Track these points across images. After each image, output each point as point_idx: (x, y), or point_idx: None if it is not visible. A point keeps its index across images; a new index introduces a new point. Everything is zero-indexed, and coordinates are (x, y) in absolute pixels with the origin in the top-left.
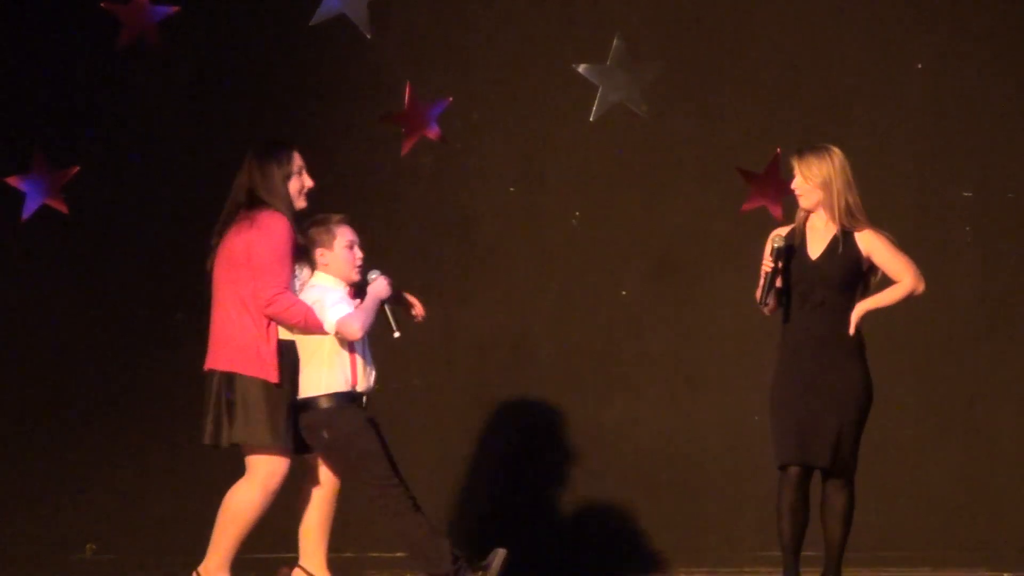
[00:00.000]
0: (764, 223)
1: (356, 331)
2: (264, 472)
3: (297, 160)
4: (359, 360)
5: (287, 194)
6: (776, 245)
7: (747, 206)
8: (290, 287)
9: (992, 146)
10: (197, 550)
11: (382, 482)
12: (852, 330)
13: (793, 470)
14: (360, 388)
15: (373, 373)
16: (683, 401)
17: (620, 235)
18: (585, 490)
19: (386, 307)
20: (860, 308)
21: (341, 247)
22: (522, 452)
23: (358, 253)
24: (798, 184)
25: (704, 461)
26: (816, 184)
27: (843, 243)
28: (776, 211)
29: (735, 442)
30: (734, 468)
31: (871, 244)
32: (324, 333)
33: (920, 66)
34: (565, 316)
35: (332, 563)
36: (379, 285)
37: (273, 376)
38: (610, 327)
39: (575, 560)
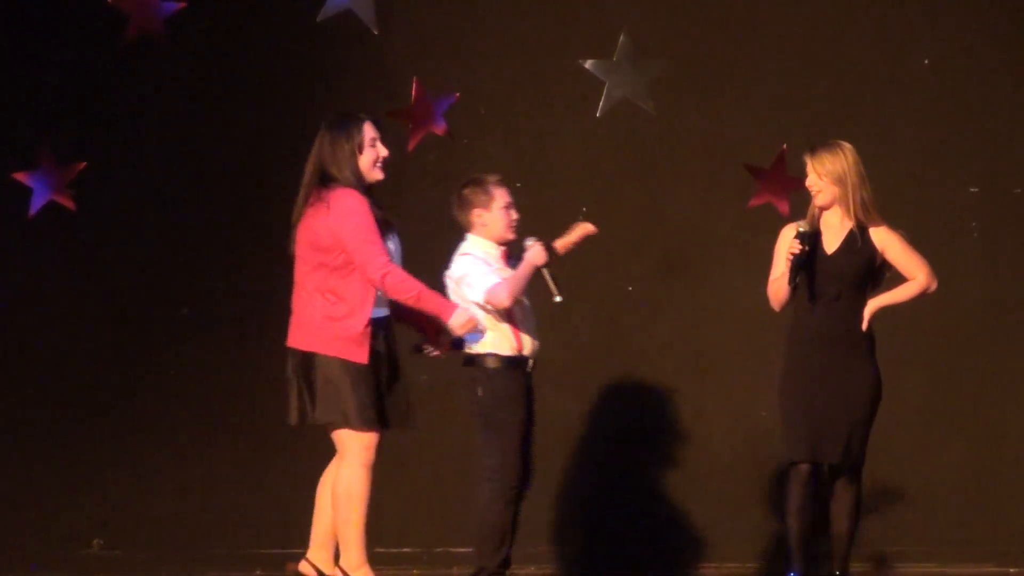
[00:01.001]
0: (771, 219)
1: (504, 299)
2: (356, 449)
3: (369, 132)
4: (521, 325)
5: (356, 168)
6: (802, 229)
7: (754, 202)
8: (391, 258)
9: (998, 142)
10: (203, 545)
11: (504, 460)
12: (865, 325)
13: (803, 466)
14: (526, 352)
15: (536, 337)
16: (690, 396)
17: (626, 231)
18: (592, 485)
19: (545, 272)
20: (874, 304)
21: (499, 208)
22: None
23: (513, 214)
24: (812, 181)
25: (711, 456)
26: (831, 180)
27: (859, 239)
28: (783, 207)
29: (742, 437)
30: (741, 462)
31: (886, 241)
32: (436, 314)
33: (927, 62)
34: (571, 312)
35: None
36: (535, 252)
37: (357, 356)
38: (616, 323)
39: (583, 554)
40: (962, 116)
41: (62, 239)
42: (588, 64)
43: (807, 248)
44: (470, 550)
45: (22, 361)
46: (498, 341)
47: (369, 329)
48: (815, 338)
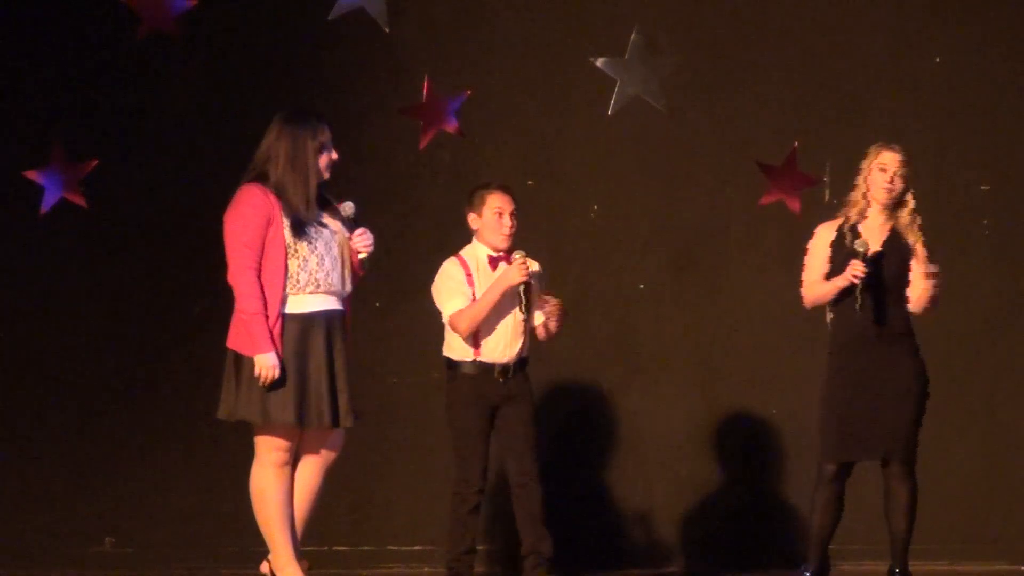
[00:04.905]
0: (782, 217)
1: (462, 330)
2: (264, 449)
3: (328, 132)
4: (483, 331)
5: (315, 165)
6: (865, 250)
7: (765, 200)
8: (253, 264)
9: (1009, 140)
10: (215, 542)
11: (458, 464)
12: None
13: (835, 466)
14: (484, 358)
15: (509, 343)
16: (701, 394)
17: (638, 228)
18: (602, 482)
19: (520, 289)
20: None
21: (491, 214)
22: (539, 444)
23: (507, 221)
24: (894, 177)
25: (722, 454)
26: (904, 178)
27: (899, 238)
28: (794, 205)
29: (753, 436)
30: (752, 461)
31: (916, 240)
32: (248, 339)
33: (938, 60)
34: (583, 310)
35: (346, 556)
36: (510, 273)
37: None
38: (628, 321)
39: (591, 551)
40: (973, 114)
41: (73, 237)
42: (600, 62)
43: (870, 269)
44: (481, 548)
45: (33, 359)
46: (454, 346)
47: (283, 323)
48: (864, 338)
